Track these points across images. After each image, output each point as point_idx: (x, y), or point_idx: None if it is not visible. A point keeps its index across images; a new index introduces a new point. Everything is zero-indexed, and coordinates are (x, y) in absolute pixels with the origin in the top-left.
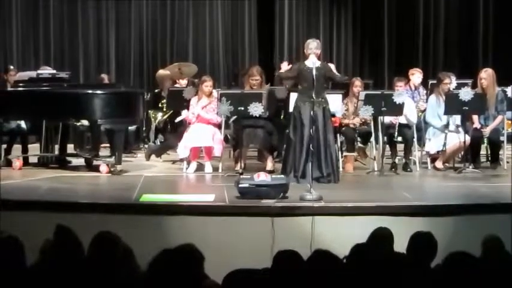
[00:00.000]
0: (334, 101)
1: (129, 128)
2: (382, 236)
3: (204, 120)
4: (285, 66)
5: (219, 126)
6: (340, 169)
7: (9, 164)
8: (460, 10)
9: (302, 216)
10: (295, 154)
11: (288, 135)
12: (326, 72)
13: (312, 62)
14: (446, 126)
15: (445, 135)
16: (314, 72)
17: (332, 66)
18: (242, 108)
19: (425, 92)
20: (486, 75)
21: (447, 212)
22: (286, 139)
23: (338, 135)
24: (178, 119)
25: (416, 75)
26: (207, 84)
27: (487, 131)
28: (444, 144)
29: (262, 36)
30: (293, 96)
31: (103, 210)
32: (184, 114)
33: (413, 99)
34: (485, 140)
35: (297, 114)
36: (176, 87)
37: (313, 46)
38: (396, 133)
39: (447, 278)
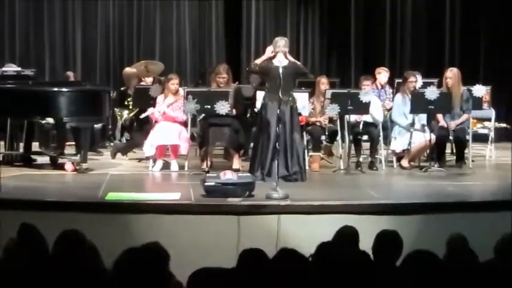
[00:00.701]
0: (301, 100)
1: (95, 126)
2: (348, 235)
3: (170, 118)
4: (269, 51)
5: (185, 124)
6: (307, 168)
7: None
8: (426, 10)
9: (268, 214)
10: (262, 152)
11: (255, 134)
12: (296, 70)
13: (279, 61)
14: (412, 124)
15: (411, 134)
16: (280, 70)
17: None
18: (209, 107)
19: (391, 91)
20: (451, 74)
21: (413, 210)
22: (253, 137)
23: (304, 133)
24: (143, 115)
25: (382, 74)
26: (174, 82)
27: (452, 124)
28: (410, 143)
29: (229, 34)
30: (260, 95)
31: (68, 208)
32: (150, 110)
33: (380, 98)
34: (451, 139)
35: (264, 112)
36: (142, 85)
37: (281, 44)
38: (362, 131)
39: (409, 276)
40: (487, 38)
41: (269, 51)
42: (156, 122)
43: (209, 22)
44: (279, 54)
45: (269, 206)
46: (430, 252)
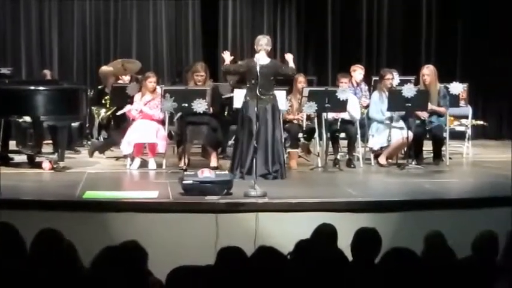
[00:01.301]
0: (278, 97)
1: (72, 124)
2: (326, 232)
3: (148, 116)
4: (227, 56)
5: (162, 122)
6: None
7: None
8: (403, 8)
9: (246, 212)
10: (243, 150)
11: (236, 132)
12: (277, 69)
13: (259, 59)
14: (391, 120)
15: (389, 131)
16: (259, 68)
17: (290, 57)
18: (186, 105)
19: (367, 88)
20: (428, 71)
21: (390, 208)
22: (234, 135)
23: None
24: (120, 112)
25: (358, 72)
26: (151, 80)
27: (424, 114)
28: (389, 140)
29: (206, 33)
30: (237, 93)
31: (46, 207)
32: (127, 107)
33: (356, 95)
34: (428, 136)
35: (245, 110)
36: (120, 84)
37: (263, 42)
38: (339, 129)
39: (387, 273)
40: (463, 35)
41: (227, 57)
42: (133, 120)
43: (186, 20)
44: (261, 52)
45: (247, 204)
46: (409, 250)
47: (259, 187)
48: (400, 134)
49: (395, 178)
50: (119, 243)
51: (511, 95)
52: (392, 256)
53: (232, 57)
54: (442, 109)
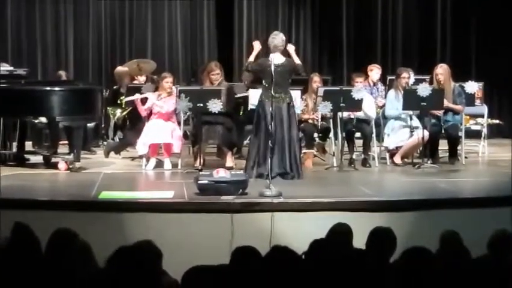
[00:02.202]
0: (294, 97)
1: (88, 125)
2: (341, 232)
3: (162, 115)
4: (257, 45)
5: (178, 122)
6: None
7: None
8: (418, 7)
9: (261, 212)
10: (258, 150)
11: (252, 131)
12: (292, 68)
13: (274, 58)
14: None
15: (410, 128)
16: (274, 68)
17: (292, 48)
18: (201, 105)
19: (383, 88)
20: (442, 70)
21: (406, 207)
22: (250, 135)
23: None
24: (128, 98)
25: (374, 71)
26: (168, 81)
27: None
28: (412, 135)
29: (221, 33)
30: (252, 93)
31: (62, 207)
32: (136, 96)
33: (372, 95)
34: (444, 135)
35: (261, 110)
36: (135, 84)
37: (277, 42)
38: (354, 128)
39: (404, 273)
40: (478, 34)
41: (257, 45)
42: (145, 117)
43: (201, 20)
44: (275, 51)
45: (262, 203)
46: (427, 249)
47: (274, 187)
48: (416, 133)
49: (410, 177)
50: (133, 243)
51: None
52: (411, 255)
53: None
54: (459, 107)
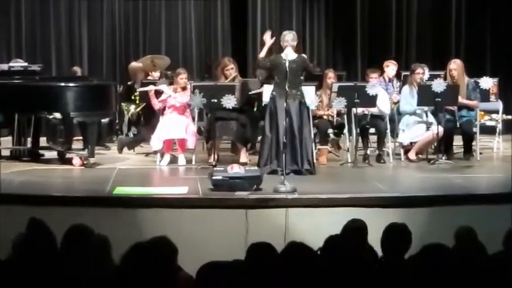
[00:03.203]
0: (308, 93)
1: (102, 120)
2: (356, 228)
3: (177, 108)
4: (268, 37)
5: (192, 118)
6: (314, 161)
7: None
8: (432, 2)
9: (276, 208)
10: (271, 146)
11: (264, 127)
12: (303, 65)
13: (287, 55)
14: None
15: (426, 124)
16: (288, 64)
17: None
18: (215, 101)
19: (398, 84)
20: (456, 65)
21: (420, 203)
22: (262, 131)
23: (311, 127)
24: (141, 89)
25: (391, 67)
26: (182, 77)
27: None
28: (427, 128)
29: (235, 28)
30: (266, 88)
31: (76, 203)
32: (150, 87)
33: (387, 91)
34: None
35: (273, 106)
36: (149, 80)
37: (289, 38)
38: (369, 124)
39: (423, 270)
40: (493, 29)
41: (268, 39)
42: (159, 110)
43: (215, 16)
44: (287, 48)
45: (277, 199)
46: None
47: (288, 183)
48: (430, 129)
49: (425, 173)
50: (148, 239)
51: None
52: (430, 252)
53: (274, 38)
54: (474, 102)
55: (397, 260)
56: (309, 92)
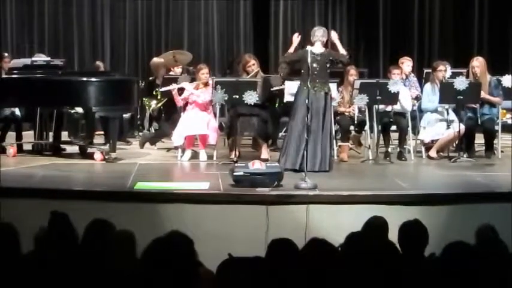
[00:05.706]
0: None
1: (124, 115)
2: (377, 225)
3: (198, 104)
4: (296, 39)
5: (213, 114)
6: (335, 158)
7: (3, 151)
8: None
9: (297, 204)
10: (293, 141)
11: (288, 122)
12: (331, 56)
13: (316, 49)
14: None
15: (447, 122)
16: (314, 56)
17: (335, 35)
18: (237, 96)
19: (416, 79)
20: (478, 63)
21: (442, 200)
22: (285, 127)
23: (333, 123)
24: (164, 88)
25: (406, 64)
26: (204, 72)
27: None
28: (448, 126)
29: (257, 25)
30: (288, 85)
31: (97, 197)
32: (173, 86)
33: (405, 87)
34: (480, 128)
35: (299, 97)
36: (171, 75)
37: (319, 34)
38: (390, 121)
39: (446, 268)
40: None
41: (296, 39)
42: (180, 106)
43: (237, 12)
44: (317, 43)
45: (298, 196)
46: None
47: (309, 179)
48: (452, 126)
49: (446, 171)
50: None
51: None
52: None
53: (300, 36)
54: (497, 99)
55: (417, 257)
56: (330, 88)
